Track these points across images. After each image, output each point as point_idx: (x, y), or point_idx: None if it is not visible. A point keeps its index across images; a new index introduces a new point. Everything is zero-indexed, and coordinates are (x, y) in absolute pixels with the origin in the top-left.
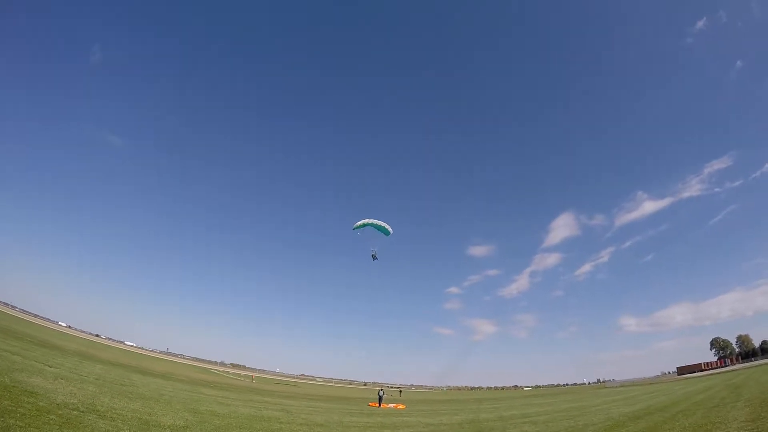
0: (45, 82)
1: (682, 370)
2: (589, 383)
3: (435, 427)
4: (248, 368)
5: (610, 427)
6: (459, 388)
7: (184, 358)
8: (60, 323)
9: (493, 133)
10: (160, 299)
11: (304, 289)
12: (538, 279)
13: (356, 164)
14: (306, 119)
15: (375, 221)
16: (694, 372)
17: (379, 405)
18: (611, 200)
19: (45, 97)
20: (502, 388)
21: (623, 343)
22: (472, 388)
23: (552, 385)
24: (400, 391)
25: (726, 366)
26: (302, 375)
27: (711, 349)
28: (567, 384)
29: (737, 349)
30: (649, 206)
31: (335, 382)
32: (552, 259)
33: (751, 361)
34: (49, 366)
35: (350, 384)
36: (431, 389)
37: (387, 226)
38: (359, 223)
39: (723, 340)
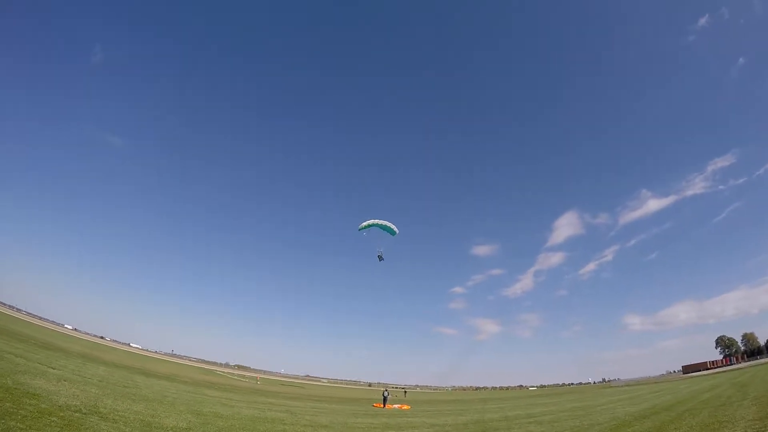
0: (46, 82)
1: (687, 369)
2: (594, 382)
3: (440, 428)
4: (253, 369)
5: (616, 427)
6: (464, 388)
7: (188, 360)
8: (66, 326)
9: (496, 132)
10: (165, 301)
11: (308, 289)
12: (542, 278)
13: (357, 164)
14: (306, 119)
15: (381, 221)
16: (700, 370)
17: (384, 406)
18: (615, 199)
19: (46, 97)
20: (507, 388)
21: (628, 342)
22: (477, 388)
23: (557, 385)
24: (405, 392)
25: (731, 364)
26: (307, 376)
27: (716, 348)
28: (572, 383)
29: (743, 348)
30: (653, 204)
31: (340, 383)
32: (556, 259)
33: (757, 359)
34: (52, 368)
35: (355, 385)
36: (436, 389)
37: (393, 227)
38: (365, 223)
39: (728, 339)
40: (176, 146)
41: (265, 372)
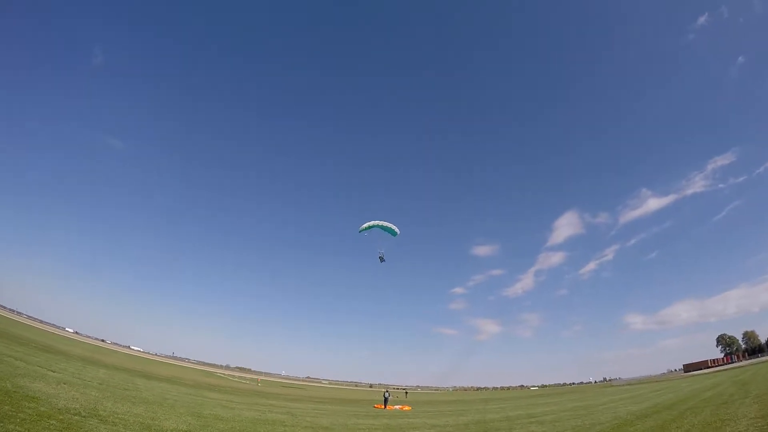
0: (46, 85)
1: (688, 368)
2: (595, 382)
3: (441, 429)
4: (254, 371)
5: (618, 426)
6: (465, 389)
7: (189, 362)
8: (67, 329)
9: (495, 132)
10: (165, 303)
11: (309, 291)
12: (542, 278)
13: (358, 164)
14: (306, 119)
15: (382, 222)
16: (701, 369)
17: (385, 407)
18: (615, 198)
19: (46, 99)
20: (508, 388)
21: (629, 342)
22: (478, 389)
23: (558, 385)
24: (406, 393)
25: (732, 362)
26: (308, 377)
27: (717, 346)
28: (573, 383)
29: (743, 346)
30: (653, 203)
31: (341, 385)
32: (556, 258)
33: (758, 357)
34: (52, 371)
35: (356, 386)
36: (437, 390)
37: (394, 227)
38: (365, 225)
39: (729, 337)
40: (176, 147)
41: (266, 374)
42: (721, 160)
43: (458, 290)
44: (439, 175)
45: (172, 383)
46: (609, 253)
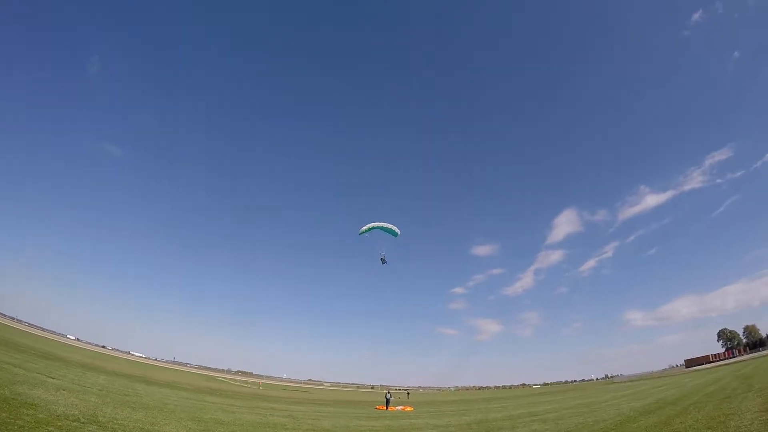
0: (43, 93)
1: (690, 363)
2: (596, 379)
3: (443, 429)
4: (255, 375)
5: (622, 423)
6: (467, 388)
7: (190, 367)
8: (68, 336)
9: (493, 131)
10: (166, 308)
11: (309, 293)
12: (542, 276)
13: (357, 165)
14: (306, 120)
15: (382, 224)
16: (702, 364)
17: (387, 408)
18: (613, 195)
19: (44, 108)
20: (510, 387)
21: (629, 338)
22: (480, 388)
23: (560, 382)
24: (408, 393)
25: (734, 357)
26: (309, 380)
27: (718, 341)
28: (575, 381)
29: (744, 340)
30: (652, 200)
31: (343, 387)
32: (556, 256)
33: (759, 351)
34: (51, 378)
35: (357, 388)
36: (439, 390)
37: (394, 228)
38: (365, 227)
39: (730, 331)
40: (174, 151)
41: (267, 377)
42: (719, 156)
43: (458, 290)
44: (439, 175)
45: (173, 388)
46: (608, 251)
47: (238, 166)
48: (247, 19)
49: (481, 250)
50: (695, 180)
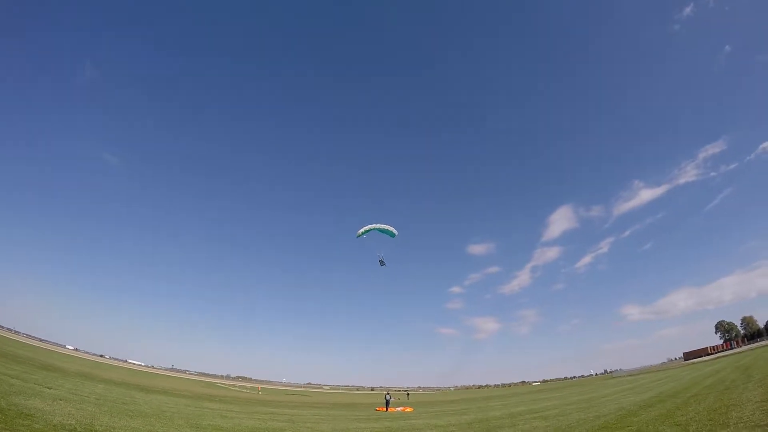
0: (38, 101)
1: (688, 356)
2: (596, 374)
3: (443, 429)
4: (254, 380)
5: (623, 417)
6: (466, 388)
7: (189, 374)
8: (67, 346)
9: (487, 130)
10: (163, 316)
11: (306, 296)
12: (538, 274)
13: (352, 167)
14: (300, 122)
15: (379, 225)
16: (701, 356)
17: (387, 409)
18: (608, 191)
19: (40, 115)
20: (510, 385)
21: (627, 333)
22: (480, 387)
23: (559, 379)
24: (407, 394)
25: (732, 348)
26: (309, 384)
27: (716, 333)
28: (574, 377)
29: (742, 331)
30: (646, 194)
31: (342, 389)
32: (552, 253)
33: (757, 341)
34: (48, 388)
35: (357, 390)
36: (439, 390)
37: (392, 229)
38: (363, 229)
39: (728, 323)
40: (170, 156)
41: (266, 382)
42: (712, 149)
43: (455, 289)
44: (433, 176)
45: (171, 395)
46: (604, 246)
47: (232, 172)
48: (243, 20)
49: (477, 249)
50: (689, 173)
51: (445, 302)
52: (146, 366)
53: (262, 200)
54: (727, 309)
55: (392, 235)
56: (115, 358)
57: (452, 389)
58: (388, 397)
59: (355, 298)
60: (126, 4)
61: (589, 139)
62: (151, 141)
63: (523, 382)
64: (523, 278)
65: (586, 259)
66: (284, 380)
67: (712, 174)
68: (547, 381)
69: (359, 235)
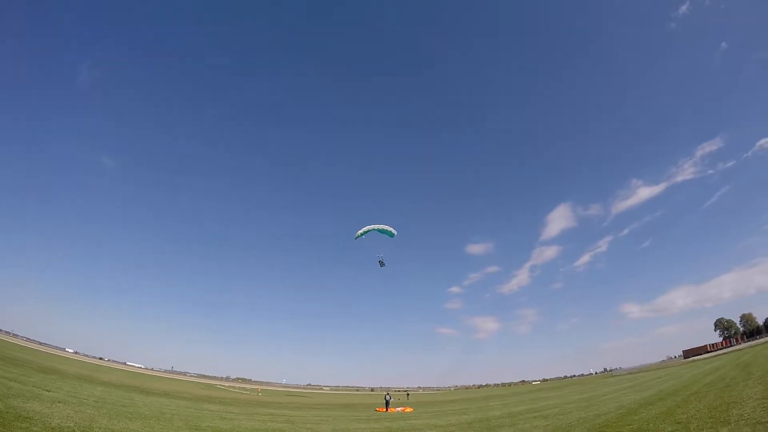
0: (35, 104)
1: (688, 353)
2: (595, 373)
3: (443, 428)
4: (254, 382)
5: (623, 415)
6: (466, 387)
7: (189, 376)
8: (67, 349)
9: (486, 130)
10: (162, 318)
11: (305, 298)
12: (537, 273)
13: (350, 167)
14: (297, 123)
15: (377, 226)
16: (701, 354)
17: (387, 409)
18: (606, 189)
19: (36, 119)
20: (510, 384)
21: (627, 331)
22: (479, 387)
23: (559, 378)
24: (407, 394)
25: (732, 346)
26: (309, 385)
27: (715, 330)
28: (574, 375)
29: (741, 329)
30: (644, 192)
31: (342, 390)
32: (550, 252)
33: (756, 339)
34: (46, 390)
35: (357, 391)
36: (439, 390)
37: (391, 229)
38: (361, 230)
39: (727, 321)
40: (169, 158)
41: (266, 383)
42: (710, 146)
43: (455, 289)
44: (431, 175)
45: (171, 397)
46: (603, 245)
47: (233, 171)
48: (242, 22)
49: (476, 249)
50: (687, 171)
51: (444, 302)
52: (146, 368)
53: (262, 201)
54: (726, 306)
55: (391, 235)
56: (114, 361)
57: (452, 389)
58: (387, 397)
59: (354, 299)
60: (123, 5)
61: (587, 138)
62: (148, 143)
63: (523, 381)
64: (522, 277)
65: (585, 258)
66: (284, 381)
67: (710, 172)
68: (546, 380)
69: (358, 237)
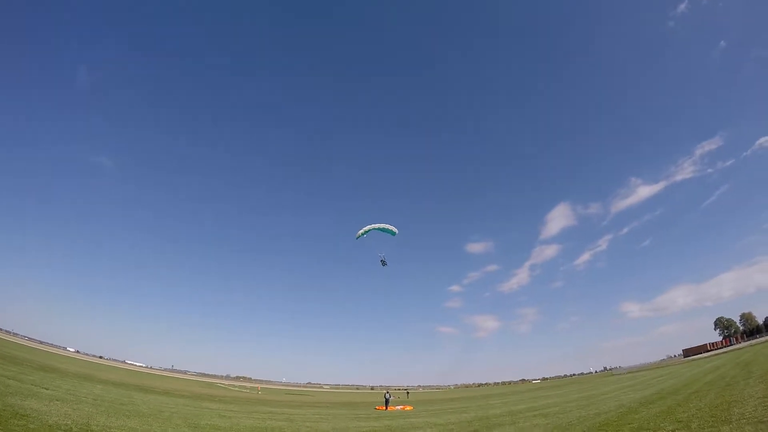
0: (33, 105)
1: (688, 352)
2: (595, 372)
3: (443, 427)
4: (254, 380)
5: (624, 414)
6: (466, 386)
7: (188, 375)
8: (68, 348)
9: (485, 130)
10: (162, 317)
11: (305, 297)
12: (537, 272)
13: (350, 167)
14: (297, 123)
15: (378, 225)
16: (701, 353)
17: (386, 408)
18: (606, 188)
19: (35, 119)
20: (510, 383)
21: (627, 330)
22: (480, 385)
23: (559, 377)
24: (407, 393)
25: (732, 345)
26: (309, 383)
27: (715, 329)
28: (574, 374)
29: (741, 328)
30: (644, 191)
31: (342, 388)
32: (550, 251)
33: (756, 338)
34: (45, 388)
35: (357, 389)
36: (439, 388)
37: (392, 228)
38: (362, 230)
39: (727, 320)
40: (168, 158)
41: (266, 382)
42: (709, 145)
43: (455, 288)
44: (431, 175)
45: (170, 395)
46: (602, 243)
47: (233, 171)
48: (241, 22)
49: (476, 248)
50: (686, 170)
51: (444, 301)
52: (146, 367)
53: (261, 201)
54: (725, 305)
55: (392, 233)
56: (114, 359)
57: (452, 388)
58: (387, 395)
59: (354, 298)
60: (123, 5)
61: (587, 137)
62: (148, 143)
63: (523, 380)
64: (522, 276)
65: (585, 257)
66: (284, 380)
67: (709, 170)
68: (546, 379)
69: (359, 236)
